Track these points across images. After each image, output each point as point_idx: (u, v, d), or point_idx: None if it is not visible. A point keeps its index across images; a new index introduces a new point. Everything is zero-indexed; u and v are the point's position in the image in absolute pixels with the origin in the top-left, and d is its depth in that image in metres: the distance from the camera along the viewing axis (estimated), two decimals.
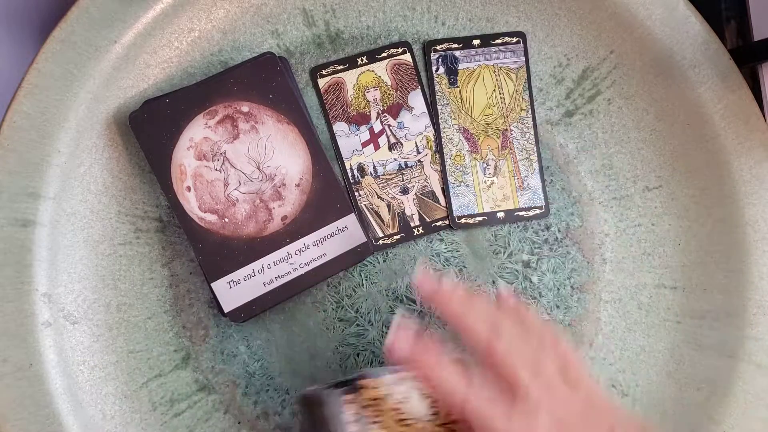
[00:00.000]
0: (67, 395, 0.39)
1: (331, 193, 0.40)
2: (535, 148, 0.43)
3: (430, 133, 0.43)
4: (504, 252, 0.43)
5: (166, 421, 0.41)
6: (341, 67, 0.42)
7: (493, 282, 0.43)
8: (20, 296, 0.38)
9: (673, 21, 0.42)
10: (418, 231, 0.42)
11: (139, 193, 0.41)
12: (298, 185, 0.40)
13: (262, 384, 0.41)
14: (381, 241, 0.42)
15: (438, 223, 0.42)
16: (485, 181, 0.43)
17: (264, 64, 0.40)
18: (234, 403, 0.41)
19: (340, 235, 0.40)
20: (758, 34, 0.44)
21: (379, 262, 0.42)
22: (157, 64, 0.41)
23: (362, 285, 0.42)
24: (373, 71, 0.43)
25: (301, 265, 0.40)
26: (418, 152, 0.43)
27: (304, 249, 0.40)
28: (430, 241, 0.42)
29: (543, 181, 0.43)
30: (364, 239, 0.41)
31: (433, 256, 0.42)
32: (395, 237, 0.42)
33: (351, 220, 0.40)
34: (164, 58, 0.41)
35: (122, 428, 0.40)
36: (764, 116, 0.43)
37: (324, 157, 0.40)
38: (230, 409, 0.41)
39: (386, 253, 0.42)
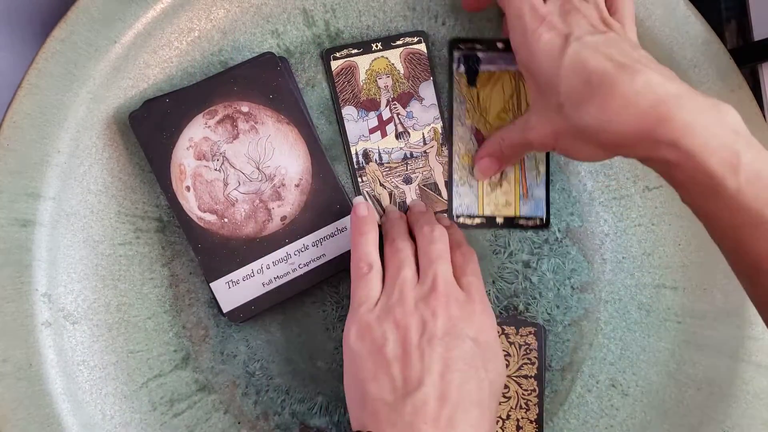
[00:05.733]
0: (67, 395, 0.39)
1: (330, 193, 0.40)
2: (544, 160, 0.43)
3: (438, 125, 0.43)
4: (504, 252, 0.43)
5: (166, 421, 0.41)
6: (355, 51, 0.42)
7: (493, 282, 0.43)
8: (20, 296, 0.38)
9: (673, 21, 0.42)
10: None
11: (139, 193, 0.41)
12: (297, 185, 0.40)
13: (262, 384, 0.41)
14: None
15: (439, 215, 0.42)
16: (490, 185, 0.43)
17: (264, 64, 0.40)
18: (234, 403, 0.41)
19: (339, 236, 0.40)
20: (758, 34, 0.44)
21: None
22: (157, 64, 0.41)
23: None
24: (387, 58, 0.42)
25: (301, 266, 0.40)
26: (425, 143, 0.43)
27: (303, 249, 0.40)
28: None
29: (548, 193, 0.43)
30: None
31: None
32: None
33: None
34: (164, 58, 0.41)
35: (122, 428, 0.40)
36: (764, 116, 0.43)
37: (324, 158, 0.40)
38: (230, 409, 0.41)
39: None
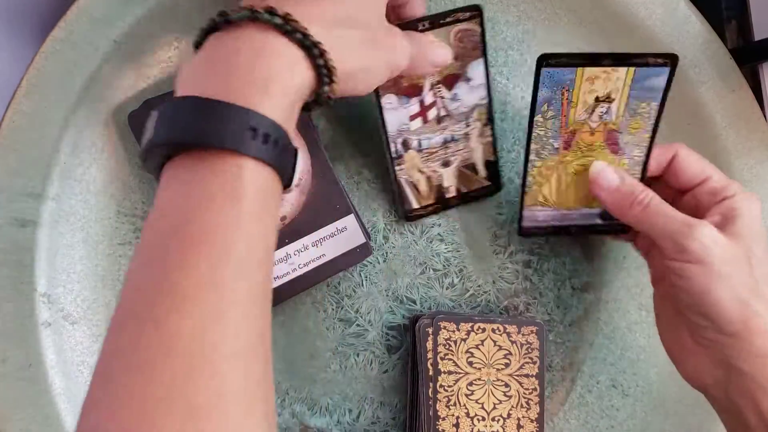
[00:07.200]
0: (67, 395, 0.39)
1: (330, 193, 0.40)
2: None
3: (484, 103, 0.40)
4: (504, 252, 0.43)
5: None
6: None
7: (494, 282, 0.43)
8: (20, 296, 0.38)
9: (674, 21, 0.42)
10: (454, 201, 0.42)
11: (138, 193, 0.41)
12: (297, 185, 0.40)
13: None
14: (414, 213, 0.41)
15: (474, 194, 0.42)
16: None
17: None
18: None
19: (339, 236, 0.40)
20: (759, 34, 0.44)
21: (379, 262, 0.42)
22: (157, 64, 0.41)
23: (362, 285, 0.42)
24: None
25: (300, 266, 0.40)
26: (467, 125, 0.41)
27: (303, 249, 0.40)
28: (430, 242, 0.42)
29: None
30: (364, 240, 0.41)
31: (433, 256, 0.42)
32: (430, 207, 0.42)
33: (350, 220, 0.40)
34: (164, 58, 0.41)
35: None
36: (765, 116, 0.43)
37: (324, 158, 0.40)
38: None
39: (386, 253, 0.42)
